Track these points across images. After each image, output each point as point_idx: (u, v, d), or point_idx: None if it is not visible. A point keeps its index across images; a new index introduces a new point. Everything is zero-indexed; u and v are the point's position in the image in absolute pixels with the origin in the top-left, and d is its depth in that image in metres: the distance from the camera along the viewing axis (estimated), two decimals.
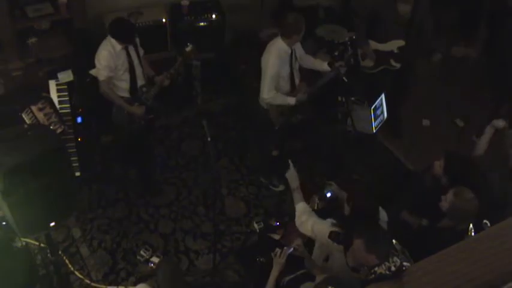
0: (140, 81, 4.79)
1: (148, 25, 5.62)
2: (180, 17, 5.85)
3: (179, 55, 4.83)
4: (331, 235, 3.50)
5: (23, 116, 4.54)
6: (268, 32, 6.13)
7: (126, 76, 4.69)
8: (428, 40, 5.26)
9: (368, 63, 5.42)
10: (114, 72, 4.62)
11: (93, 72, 4.77)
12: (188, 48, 4.77)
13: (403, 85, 5.65)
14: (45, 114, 4.64)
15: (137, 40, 4.76)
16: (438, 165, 4.32)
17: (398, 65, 5.36)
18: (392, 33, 5.22)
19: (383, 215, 3.85)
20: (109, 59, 4.54)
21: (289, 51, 4.78)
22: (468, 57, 5.08)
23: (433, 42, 5.32)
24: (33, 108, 4.61)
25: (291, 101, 4.88)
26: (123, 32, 4.58)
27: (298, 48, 4.94)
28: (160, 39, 5.73)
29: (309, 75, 5.24)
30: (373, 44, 5.32)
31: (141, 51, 4.81)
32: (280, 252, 3.66)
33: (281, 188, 5.46)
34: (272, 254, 3.67)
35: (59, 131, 4.59)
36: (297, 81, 4.97)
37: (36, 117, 4.59)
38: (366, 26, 5.30)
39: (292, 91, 4.93)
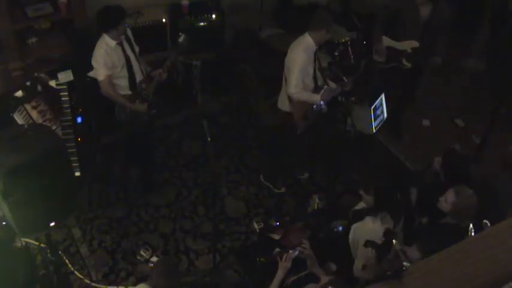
0: (138, 77, 4.78)
1: (148, 25, 5.61)
2: (180, 17, 5.85)
3: (174, 45, 4.80)
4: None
5: (15, 116, 4.47)
6: (268, 31, 6.13)
7: (124, 72, 4.69)
8: (440, 44, 5.30)
9: (379, 58, 5.44)
10: (112, 70, 4.61)
11: (92, 74, 4.77)
12: (180, 39, 4.77)
13: (411, 85, 5.67)
14: (39, 112, 4.57)
15: (130, 33, 4.74)
16: (437, 162, 4.37)
17: (409, 65, 5.39)
18: (409, 34, 5.24)
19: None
20: (105, 56, 4.54)
21: (315, 49, 4.78)
22: (476, 70, 5.14)
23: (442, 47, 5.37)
24: (27, 106, 4.55)
25: (317, 98, 4.84)
26: (112, 15, 4.49)
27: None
28: (160, 39, 5.72)
29: None
30: (389, 41, 5.35)
31: (137, 48, 4.80)
32: (286, 256, 3.65)
33: (282, 190, 5.46)
34: (277, 258, 3.66)
35: (54, 128, 4.52)
36: (319, 81, 4.96)
37: (30, 116, 4.52)
38: (385, 23, 5.32)
39: (316, 90, 4.92)
